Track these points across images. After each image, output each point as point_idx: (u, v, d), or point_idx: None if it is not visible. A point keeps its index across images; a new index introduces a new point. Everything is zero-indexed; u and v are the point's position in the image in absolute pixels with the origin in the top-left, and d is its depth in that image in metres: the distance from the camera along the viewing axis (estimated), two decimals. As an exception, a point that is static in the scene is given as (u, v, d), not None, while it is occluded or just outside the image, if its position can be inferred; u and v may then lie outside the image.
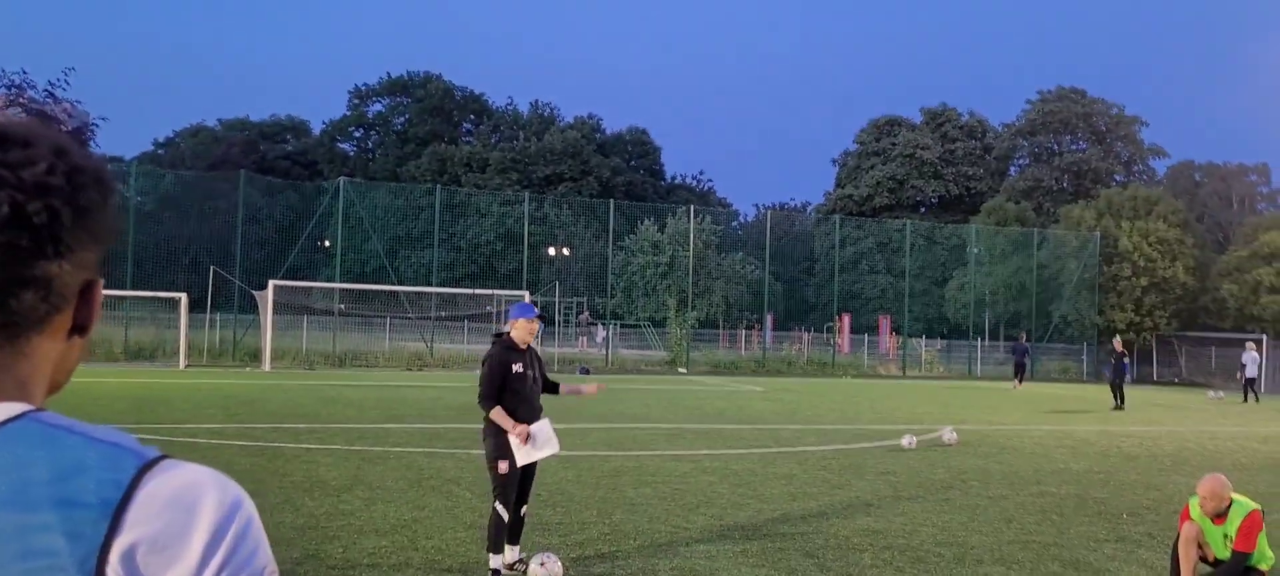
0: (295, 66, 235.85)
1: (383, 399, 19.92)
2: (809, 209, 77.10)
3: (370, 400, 19.49)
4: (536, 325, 6.85)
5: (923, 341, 45.94)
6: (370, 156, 77.22)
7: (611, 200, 46.23)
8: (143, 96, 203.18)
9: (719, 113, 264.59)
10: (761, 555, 7.42)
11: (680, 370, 36.37)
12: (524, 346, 6.75)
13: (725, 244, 47.06)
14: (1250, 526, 6.53)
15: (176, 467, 0.93)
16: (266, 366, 29.59)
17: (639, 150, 77.63)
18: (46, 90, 19.91)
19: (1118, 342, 26.82)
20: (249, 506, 0.95)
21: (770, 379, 34.05)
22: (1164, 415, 23.33)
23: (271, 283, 31.01)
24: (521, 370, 6.65)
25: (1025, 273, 46.54)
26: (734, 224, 72.46)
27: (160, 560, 0.88)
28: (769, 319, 46.46)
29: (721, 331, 46.05)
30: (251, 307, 33.99)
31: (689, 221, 40.83)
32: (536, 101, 79.29)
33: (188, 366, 28.92)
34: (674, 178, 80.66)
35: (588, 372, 32.28)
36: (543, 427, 6.74)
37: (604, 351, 40.14)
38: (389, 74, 79.43)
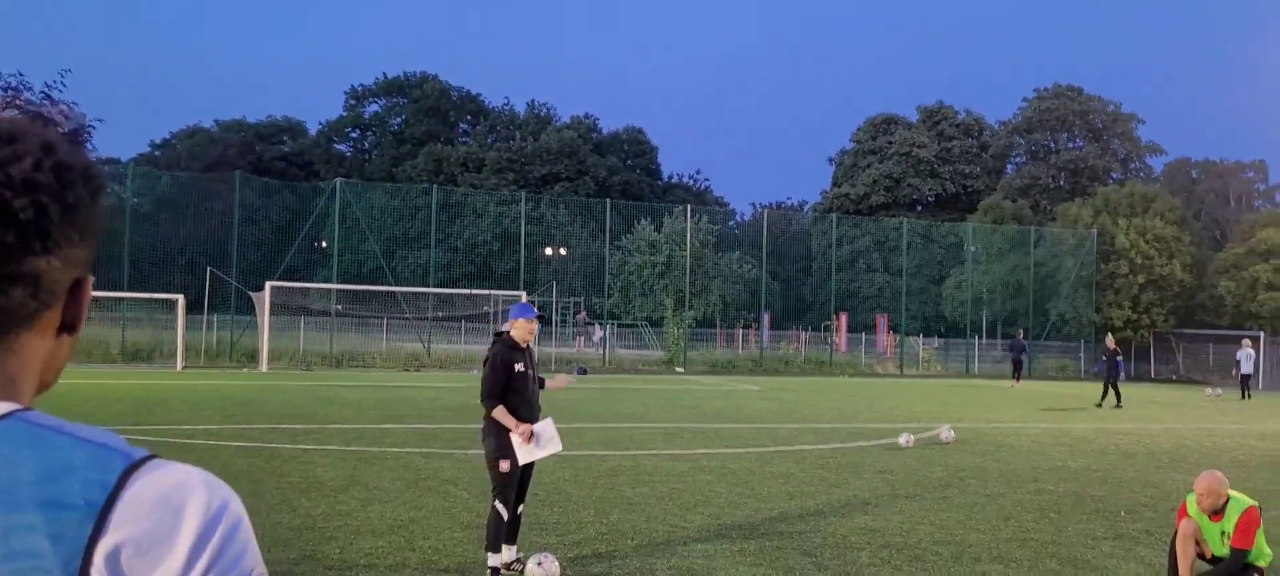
0: (291, 67, 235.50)
1: (380, 399, 19.90)
2: (806, 208, 77.12)
3: (367, 401, 19.47)
4: (536, 325, 6.94)
5: (920, 340, 45.95)
6: (367, 157, 77.13)
7: (608, 200, 46.21)
8: (139, 98, 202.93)
9: (715, 112, 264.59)
10: (759, 554, 7.42)
11: (677, 369, 36.37)
12: (524, 346, 6.82)
13: (722, 243, 46.92)
14: (1248, 523, 6.54)
15: (164, 468, 0.92)
16: (263, 367, 29.56)
17: (635, 150, 77.57)
18: (43, 92, 19.84)
19: (1110, 340, 26.79)
20: (237, 507, 0.94)
21: (767, 378, 34.07)
22: (1161, 412, 23.37)
23: (268, 283, 31.01)
24: (523, 369, 6.70)
25: (1022, 270, 46.54)
26: (731, 223, 72.38)
27: (145, 562, 0.87)
28: (766, 318, 46.43)
29: (718, 331, 46.01)
30: (248, 308, 33.97)
31: (686, 221, 40.79)
32: (533, 101, 79.37)
33: (185, 367, 28.89)
34: (670, 177, 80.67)
35: (586, 372, 32.28)
36: (546, 427, 6.78)
37: (601, 351, 40.14)
38: (385, 74, 79.36)
